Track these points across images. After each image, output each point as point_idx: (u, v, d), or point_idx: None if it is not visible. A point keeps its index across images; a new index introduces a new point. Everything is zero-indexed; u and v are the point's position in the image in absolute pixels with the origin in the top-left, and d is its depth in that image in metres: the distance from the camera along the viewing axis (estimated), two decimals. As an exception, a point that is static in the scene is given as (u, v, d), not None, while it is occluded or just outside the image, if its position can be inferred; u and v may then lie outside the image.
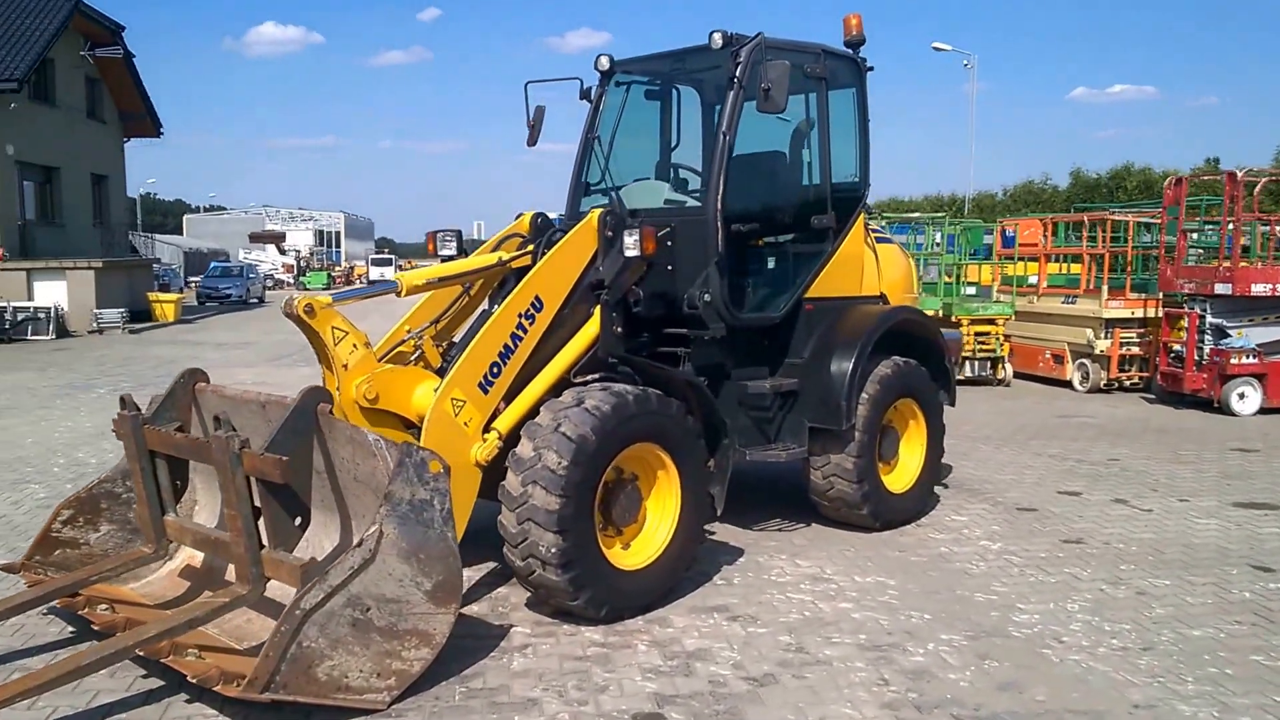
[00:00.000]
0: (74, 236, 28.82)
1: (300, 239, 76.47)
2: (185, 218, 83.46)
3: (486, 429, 5.13)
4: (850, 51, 6.73)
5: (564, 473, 4.68)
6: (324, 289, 52.93)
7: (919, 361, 6.85)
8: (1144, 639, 4.78)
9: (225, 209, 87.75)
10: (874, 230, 7.32)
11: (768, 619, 5.05)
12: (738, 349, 6.30)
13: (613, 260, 5.53)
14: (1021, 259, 15.29)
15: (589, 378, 5.42)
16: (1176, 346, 12.29)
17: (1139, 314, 13.15)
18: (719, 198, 5.91)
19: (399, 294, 5.25)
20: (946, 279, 14.62)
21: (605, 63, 6.77)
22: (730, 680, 4.32)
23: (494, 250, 5.93)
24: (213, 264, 47.51)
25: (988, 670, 4.43)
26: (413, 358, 5.60)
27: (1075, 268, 15.31)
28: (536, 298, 5.37)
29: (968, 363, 13.72)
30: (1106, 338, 13.13)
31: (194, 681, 3.78)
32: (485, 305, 5.95)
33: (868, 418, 6.36)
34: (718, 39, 5.96)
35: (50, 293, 24.02)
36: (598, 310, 5.56)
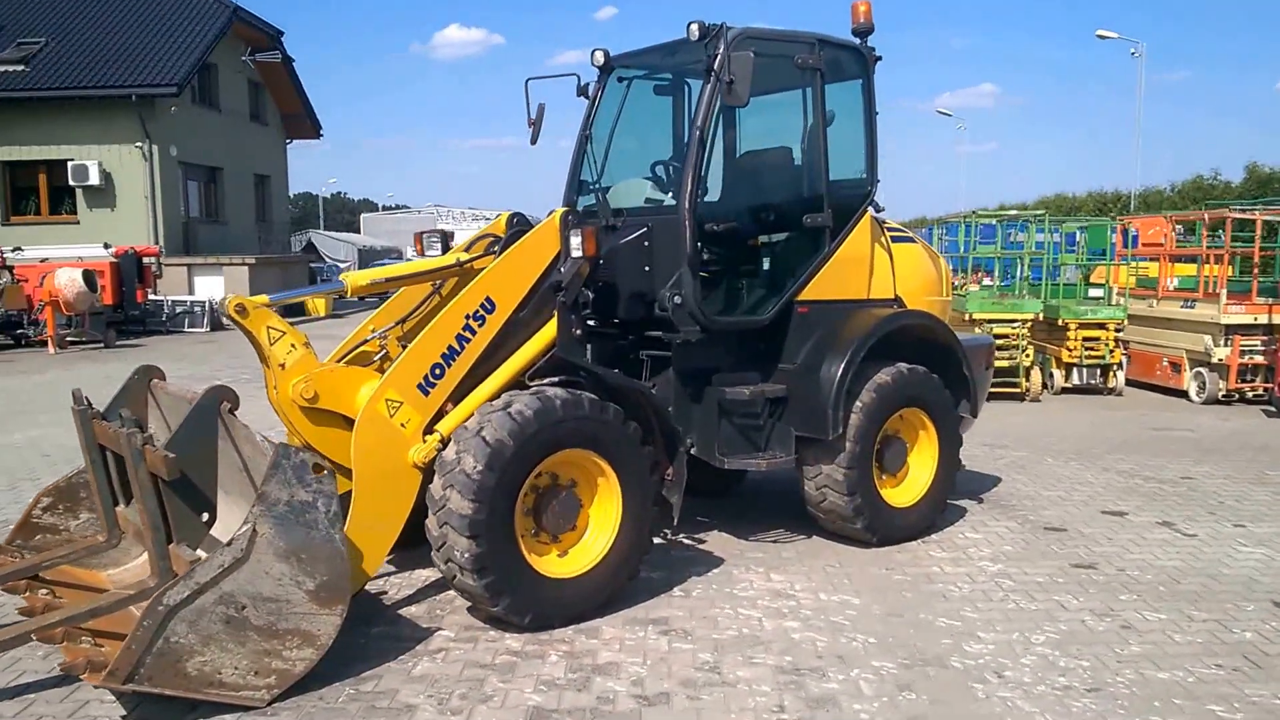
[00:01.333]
0: (236, 233, 30.69)
1: (469, 237, 78.92)
2: (362, 216, 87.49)
3: (431, 431, 5.12)
4: (854, 41, 6.40)
5: (478, 477, 4.63)
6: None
7: (935, 369, 6.47)
8: (1096, 679, 4.35)
9: (407, 208, 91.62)
10: (893, 229, 6.93)
11: (701, 635, 4.86)
12: (725, 353, 6.10)
13: (571, 262, 5.43)
14: (1138, 259, 14.24)
15: (545, 380, 5.34)
16: (1299, 355, 11.20)
17: (1263, 320, 12.03)
18: (691, 196, 5.73)
19: (345, 294, 5.31)
20: (1075, 280, 13.80)
21: (600, 58, 6.64)
22: (620, 698, 4.18)
23: (466, 251, 5.94)
24: (376, 262, 49.82)
25: (899, 703, 4.13)
26: (377, 357, 5.66)
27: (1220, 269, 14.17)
28: (488, 299, 5.32)
29: (1074, 370, 12.92)
30: (1226, 345, 12.07)
31: (62, 669, 3.92)
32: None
33: (861, 427, 6.03)
34: (694, 30, 5.75)
35: (209, 287, 25.69)
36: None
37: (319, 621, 4.17)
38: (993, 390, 12.26)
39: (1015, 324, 12.14)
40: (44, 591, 4.80)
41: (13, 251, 23.26)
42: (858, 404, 6.05)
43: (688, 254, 5.70)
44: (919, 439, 6.52)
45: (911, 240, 7.00)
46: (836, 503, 6.11)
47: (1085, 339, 12.68)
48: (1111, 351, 12.77)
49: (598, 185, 6.53)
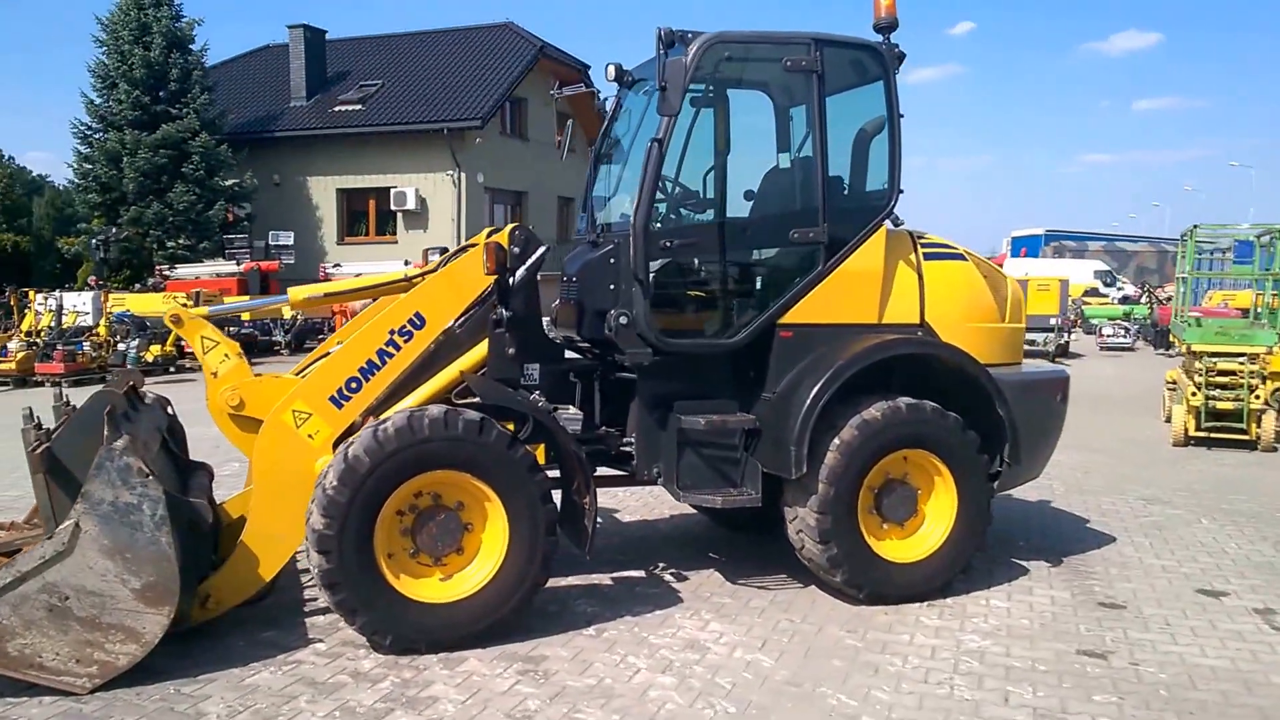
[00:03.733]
0: (539, 252, 32.75)
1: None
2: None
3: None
4: (868, 39, 5.72)
5: (332, 493, 4.62)
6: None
7: (963, 407, 5.63)
8: (932, 793, 3.56)
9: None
10: (935, 245, 6.10)
11: (558, 680, 4.52)
12: (697, 378, 5.68)
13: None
14: None
15: (473, 399, 5.24)
16: None
17: None
18: (645, 210, 5.39)
19: (290, 307, 5.50)
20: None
21: (613, 72, 6.39)
22: (393, 734, 3.99)
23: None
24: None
25: (664, 785, 3.61)
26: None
27: None
28: (417, 314, 5.31)
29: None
30: None
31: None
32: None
33: (837, 468, 5.36)
34: (662, 35, 5.43)
35: (504, 300, 27.69)
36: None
37: (144, 619, 4.33)
38: (1218, 438, 10.49)
39: (1241, 359, 10.23)
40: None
41: (333, 267, 26.34)
42: (836, 441, 5.38)
43: (634, 271, 5.38)
44: (934, 486, 5.69)
45: (959, 258, 6.12)
46: (812, 551, 5.48)
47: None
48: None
49: (607, 200, 6.32)
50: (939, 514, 5.68)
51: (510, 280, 5.35)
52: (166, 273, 24.70)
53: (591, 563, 6.26)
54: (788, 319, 5.62)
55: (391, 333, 5.27)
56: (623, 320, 5.41)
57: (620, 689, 4.44)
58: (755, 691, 4.42)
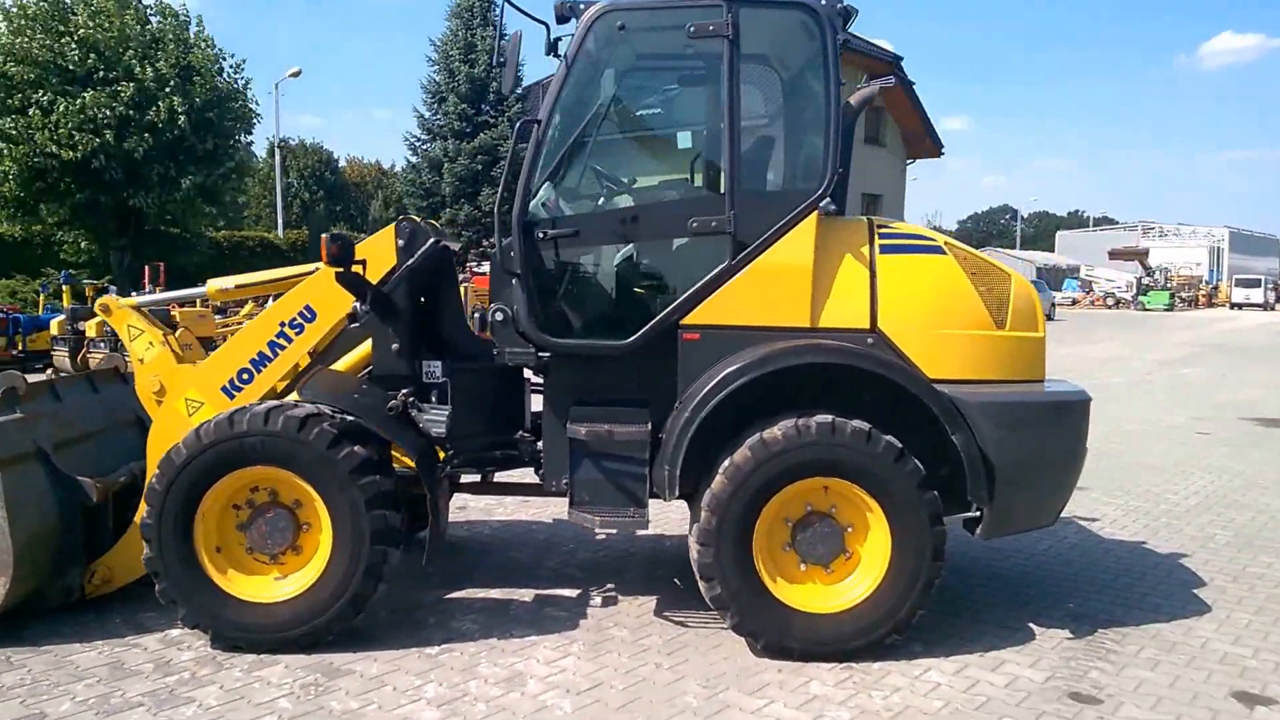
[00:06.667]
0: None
1: (1185, 256, 72.13)
2: (1058, 234, 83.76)
3: (238, 434, 5.19)
4: None
5: (153, 483, 4.67)
6: (1165, 309, 50.28)
7: (913, 429, 4.67)
8: None
9: (1114, 223, 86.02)
10: (904, 236, 5.05)
11: (321, 701, 4.21)
12: (609, 384, 5.11)
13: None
14: None
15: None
16: None
17: None
18: (522, 198, 4.95)
19: (208, 299, 5.61)
20: None
21: None
22: (104, 731, 3.92)
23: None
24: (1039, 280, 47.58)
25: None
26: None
27: None
28: (307, 307, 5.24)
29: None
30: None
31: None
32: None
33: (724, 495, 4.60)
34: (554, 11, 4.98)
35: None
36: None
37: (-15, 588, 4.61)
38: None
39: None
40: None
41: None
42: (726, 463, 4.63)
43: (510, 265, 4.96)
44: (869, 525, 4.72)
45: (935, 252, 5.03)
46: (701, 587, 4.76)
47: None
48: None
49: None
50: (873, 559, 4.71)
51: (388, 272, 5.11)
52: (476, 270, 26.60)
53: (536, 578, 5.95)
54: (692, 320, 4.90)
55: (282, 325, 5.23)
56: (498, 316, 5.01)
57: (371, 718, 4.06)
58: (507, 742, 3.88)
